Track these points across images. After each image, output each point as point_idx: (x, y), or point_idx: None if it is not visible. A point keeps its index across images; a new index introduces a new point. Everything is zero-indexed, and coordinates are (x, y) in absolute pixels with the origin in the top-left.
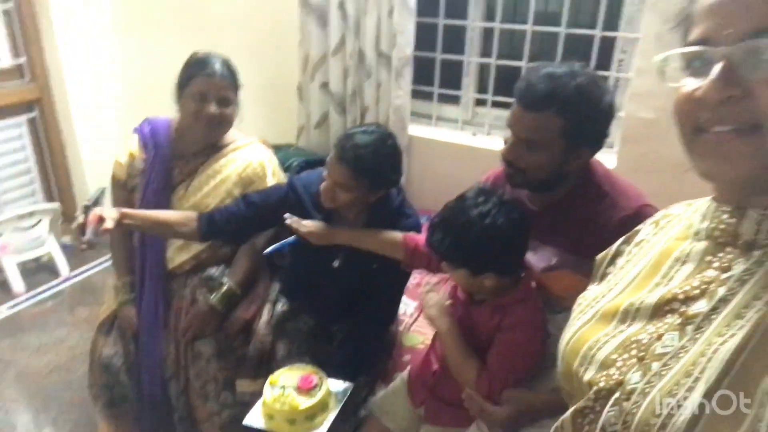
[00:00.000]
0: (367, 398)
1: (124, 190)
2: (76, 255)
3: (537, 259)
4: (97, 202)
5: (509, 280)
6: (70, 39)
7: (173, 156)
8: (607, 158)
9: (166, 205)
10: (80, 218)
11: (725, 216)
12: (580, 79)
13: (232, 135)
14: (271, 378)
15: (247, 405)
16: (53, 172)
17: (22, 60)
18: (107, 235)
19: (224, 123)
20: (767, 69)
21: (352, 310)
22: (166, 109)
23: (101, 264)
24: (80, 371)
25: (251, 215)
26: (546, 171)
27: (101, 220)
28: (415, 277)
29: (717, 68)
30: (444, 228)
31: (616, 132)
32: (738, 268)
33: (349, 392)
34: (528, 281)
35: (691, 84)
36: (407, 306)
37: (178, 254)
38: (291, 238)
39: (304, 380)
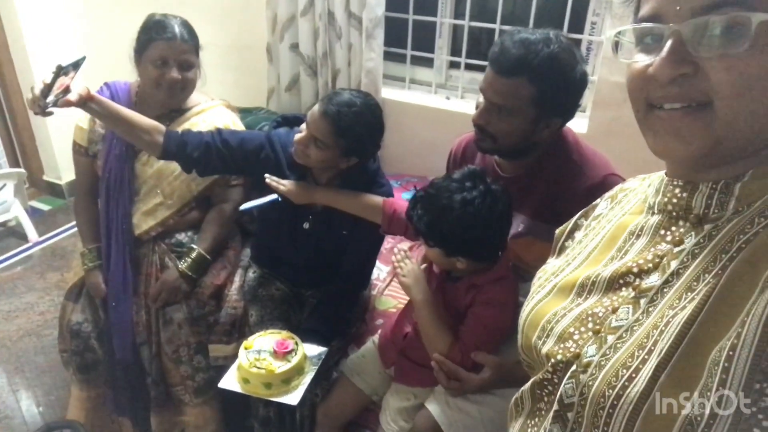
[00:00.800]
0: (339, 361)
1: (85, 156)
2: (44, 220)
3: None
4: (71, 68)
5: (481, 266)
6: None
7: None
8: (578, 122)
9: (129, 171)
10: (48, 79)
11: (677, 190)
12: (554, 47)
13: (196, 98)
14: (245, 342)
15: (220, 368)
16: (17, 136)
17: None
18: (67, 107)
19: (187, 87)
20: (717, 46)
21: (324, 275)
22: (129, 72)
23: (70, 228)
24: (52, 336)
25: (223, 154)
26: (515, 138)
27: (68, 90)
28: (389, 242)
29: (667, 45)
30: (425, 205)
31: (588, 96)
32: (689, 241)
33: (323, 356)
34: (506, 261)
35: (642, 60)
36: (380, 270)
37: (144, 220)
38: (272, 196)
39: (280, 345)
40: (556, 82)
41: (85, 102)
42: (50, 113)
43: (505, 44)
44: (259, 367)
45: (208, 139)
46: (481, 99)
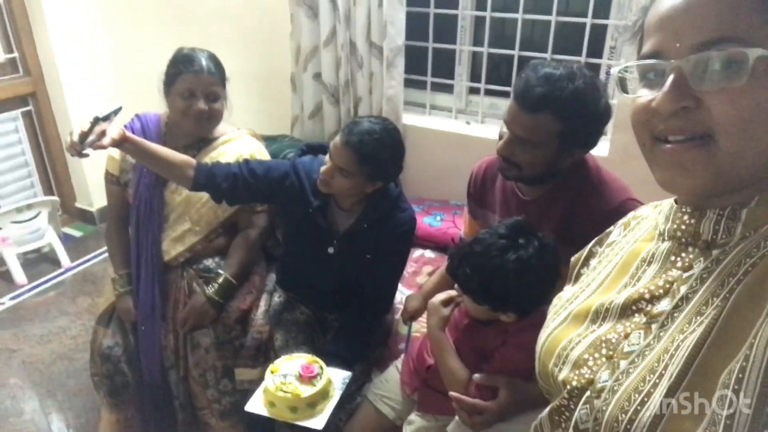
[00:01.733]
0: (362, 386)
1: (116, 185)
2: (76, 246)
3: None
4: (108, 117)
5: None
6: (61, 33)
7: None
8: (599, 145)
9: (159, 199)
10: (85, 126)
11: (686, 217)
12: (578, 83)
13: (222, 128)
14: (272, 366)
15: (246, 392)
16: (50, 164)
17: (15, 54)
18: (100, 150)
19: (213, 118)
20: (716, 81)
21: (347, 299)
22: (158, 103)
23: (101, 254)
24: (83, 360)
25: (250, 184)
26: (539, 167)
27: (103, 134)
28: (411, 266)
29: (669, 80)
30: (475, 264)
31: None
32: (698, 266)
33: (348, 381)
34: (541, 310)
35: (646, 95)
36: (403, 294)
37: (173, 246)
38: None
39: (305, 369)
40: (581, 117)
41: (120, 143)
42: (86, 155)
43: (530, 80)
44: (285, 391)
45: (235, 170)
46: (505, 129)
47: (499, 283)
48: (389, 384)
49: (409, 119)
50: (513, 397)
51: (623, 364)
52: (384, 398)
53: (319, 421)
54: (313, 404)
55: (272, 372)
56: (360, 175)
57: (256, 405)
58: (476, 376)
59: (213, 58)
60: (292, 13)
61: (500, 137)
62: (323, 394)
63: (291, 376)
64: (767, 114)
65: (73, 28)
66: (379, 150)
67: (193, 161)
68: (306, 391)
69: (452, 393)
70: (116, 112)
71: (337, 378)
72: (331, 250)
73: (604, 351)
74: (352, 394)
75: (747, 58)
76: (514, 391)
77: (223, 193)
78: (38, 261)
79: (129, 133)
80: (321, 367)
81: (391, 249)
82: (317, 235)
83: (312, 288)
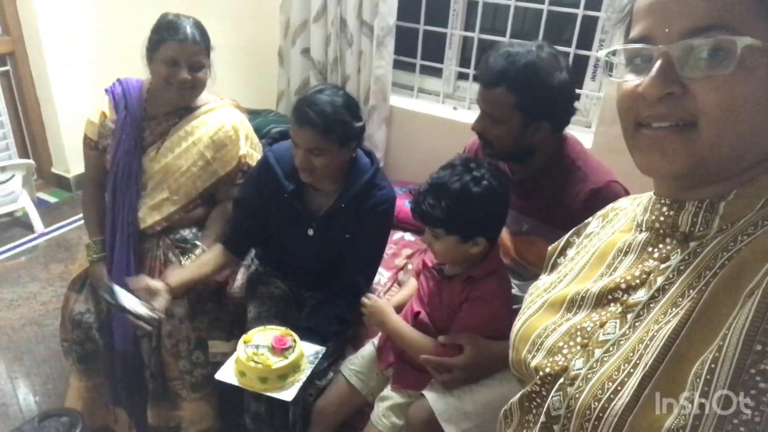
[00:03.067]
0: (336, 362)
1: (95, 150)
2: (50, 212)
3: (510, 223)
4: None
5: (488, 249)
6: None
7: (145, 117)
8: (584, 138)
9: (137, 166)
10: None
11: (664, 209)
12: (531, 57)
13: (205, 97)
14: (245, 336)
15: (218, 365)
16: (27, 127)
17: None
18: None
19: (196, 87)
20: (703, 67)
21: (326, 278)
22: (141, 69)
23: (76, 221)
24: (53, 326)
25: (249, 213)
26: (509, 142)
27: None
28: (390, 247)
29: (656, 65)
30: (438, 193)
31: (594, 112)
32: (676, 258)
33: (320, 355)
34: (497, 254)
35: (632, 80)
36: (381, 275)
37: (150, 214)
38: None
39: (278, 341)
40: (534, 88)
41: (172, 292)
42: (159, 317)
43: (489, 59)
44: (256, 362)
45: (234, 219)
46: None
47: (463, 203)
48: (364, 360)
49: (397, 101)
50: (476, 351)
51: (598, 352)
52: (358, 373)
53: (289, 393)
54: (283, 376)
55: (245, 342)
56: (331, 147)
57: (226, 374)
58: (440, 337)
59: (198, 26)
60: None
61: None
62: (294, 367)
63: (263, 347)
64: (752, 104)
65: None
66: (336, 113)
67: (218, 248)
68: (277, 362)
69: (422, 356)
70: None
71: (310, 352)
72: (310, 232)
73: (579, 339)
74: (324, 370)
75: (735, 47)
76: (476, 346)
77: (255, 238)
78: (11, 225)
79: (169, 284)
80: (294, 340)
81: (370, 228)
82: (296, 218)
83: (291, 266)
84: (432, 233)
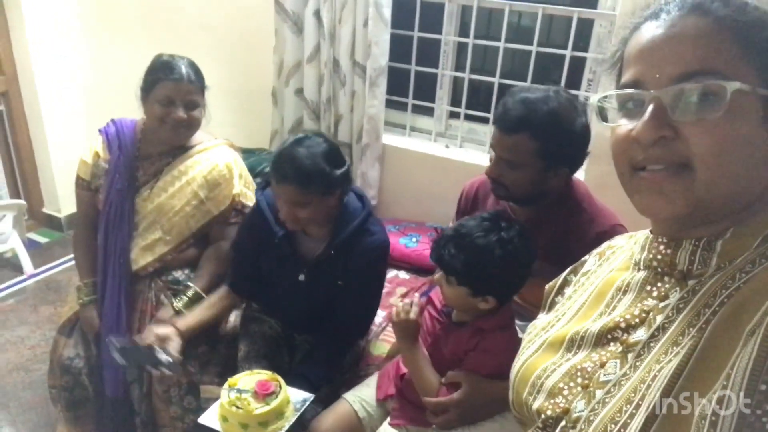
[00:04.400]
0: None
1: (87, 190)
2: (41, 253)
3: None
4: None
5: (505, 304)
6: (39, 33)
7: (138, 156)
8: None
9: (130, 206)
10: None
11: (662, 247)
12: (553, 104)
13: (199, 136)
14: (230, 380)
15: None
16: (19, 167)
17: None
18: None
19: (192, 125)
20: (694, 112)
21: (318, 323)
22: (134, 109)
23: (66, 262)
24: (41, 371)
25: (246, 255)
26: (526, 187)
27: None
28: (386, 287)
29: (649, 110)
30: (461, 244)
31: None
32: (674, 296)
33: (307, 403)
34: (509, 309)
35: (625, 125)
36: (377, 316)
37: (143, 255)
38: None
39: (261, 385)
40: (557, 135)
41: (182, 336)
42: (179, 365)
43: (507, 104)
44: (237, 407)
45: (234, 262)
46: (493, 153)
47: (482, 262)
48: (368, 388)
49: (389, 139)
50: (473, 388)
51: (599, 393)
52: (363, 401)
53: None
54: (265, 423)
55: (230, 386)
56: (313, 198)
57: (210, 418)
58: (442, 379)
59: (192, 66)
60: (276, 28)
61: (490, 160)
62: (277, 414)
63: (247, 392)
64: (742, 146)
65: (51, 29)
66: (315, 165)
67: (223, 291)
68: (258, 408)
69: (425, 399)
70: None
71: (297, 399)
72: (301, 277)
73: (579, 380)
74: (311, 417)
75: (725, 91)
76: (473, 385)
77: (255, 280)
78: (0, 266)
79: (178, 328)
80: (279, 386)
81: (361, 275)
82: (286, 264)
83: (283, 310)
84: (445, 278)
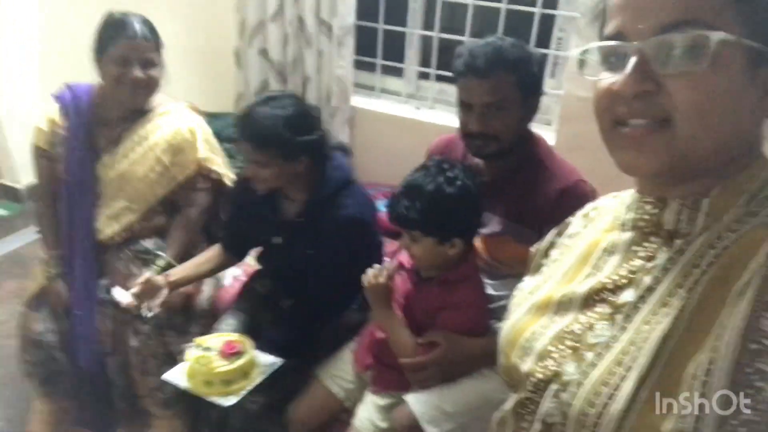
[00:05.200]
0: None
1: (47, 160)
2: (1, 225)
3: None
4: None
5: (465, 252)
6: None
7: (96, 122)
8: (545, 135)
9: (91, 174)
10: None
11: (648, 207)
12: (507, 41)
13: (159, 99)
14: (198, 339)
15: None
16: None
17: None
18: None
19: (150, 86)
20: (678, 64)
21: (298, 288)
22: (91, 72)
23: (30, 235)
24: (11, 347)
25: (240, 212)
26: (514, 128)
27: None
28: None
29: (631, 63)
30: (413, 195)
31: (554, 110)
32: (662, 257)
33: (275, 367)
34: (473, 259)
35: (608, 78)
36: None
37: (109, 224)
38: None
39: (228, 345)
40: (527, 63)
41: (170, 287)
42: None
43: (473, 51)
44: (201, 364)
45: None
46: (468, 109)
47: (437, 204)
48: (342, 363)
49: (359, 102)
50: (450, 346)
51: (589, 355)
52: (335, 377)
53: (228, 399)
54: (228, 382)
55: (198, 344)
56: (274, 161)
57: (175, 375)
58: (419, 339)
59: (147, 23)
60: None
61: (464, 124)
62: (242, 374)
63: (213, 350)
64: (726, 100)
65: None
66: (272, 127)
67: (216, 249)
68: (222, 366)
69: (402, 360)
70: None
71: (265, 362)
72: (277, 240)
73: (568, 342)
74: (293, 385)
75: (708, 42)
76: (450, 342)
77: (251, 236)
78: None
79: (169, 278)
80: (245, 346)
81: (329, 248)
82: (266, 224)
83: (267, 271)
84: (409, 236)
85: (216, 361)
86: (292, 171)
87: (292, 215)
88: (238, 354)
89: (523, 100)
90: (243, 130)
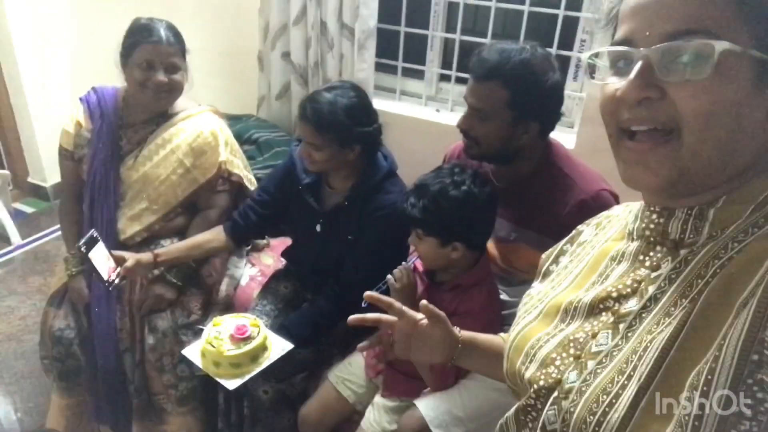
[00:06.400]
0: (318, 370)
1: (71, 161)
2: (28, 223)
3: (496, 230)
4: (92, 243)
5: (472, 258)
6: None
7: (121, 125)
8: (567, 138)
9: (115, 175)
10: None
11: (654, 216)
12: (526, 54)
13: (182, 103)
14: (215, 319)
15: (204, 378)
16: (1, 137)
17: None
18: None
19: (174, 90)
20: (681, 72)
21: (328, 281)
22: (119, 76)
23: (54, 232)
24: (33, 341)
25: (263, 201)
26: (497, 141)
27: (120, 264)
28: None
29: (636, 68)
30: (419, 193)
31: (576, 112)
32: (666, 266)
33: (285, 352)
34: (486, 264)
35: (614, 83)
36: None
37: (130, 225)
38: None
39: (238, 329)
40: (528, 85)
41: (155, 264)
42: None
43: (482, 53)
44: (213, 345)
45: (249, 201)
46: (467, 107)
47: (439, 204)
48: (352, 367)
49: (379, 104)
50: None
51: (591, 364)
52: (346, 381)
53: (233, 382)
54: (237, 365)
55: (214, 324)
56: (329, 145)
57: (192, 352)
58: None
59: (172, 28)
60: None
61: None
62: (251, 357)
63: (225, 333)
64: (731, 111)
65: None
66: (334, 114)
67: (219, 228)
68: (230, 350)
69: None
70: (93, 238)
71: (277, 346)
72: (318, 228)
73: (572, 350)
74: (303, 373)
75: (713, 51)
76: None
77: (259, 226)
78: None
79: (154, 253)
80: (257, 331)
81: (370, 232)
82: (307, 213)
83: (300, 264)
84: (415, 233)
85: (226, 344)
86: (344, 157)
87: (333, 203)
88: (247, 338)
89: (513, 117)
90: (304, 112)
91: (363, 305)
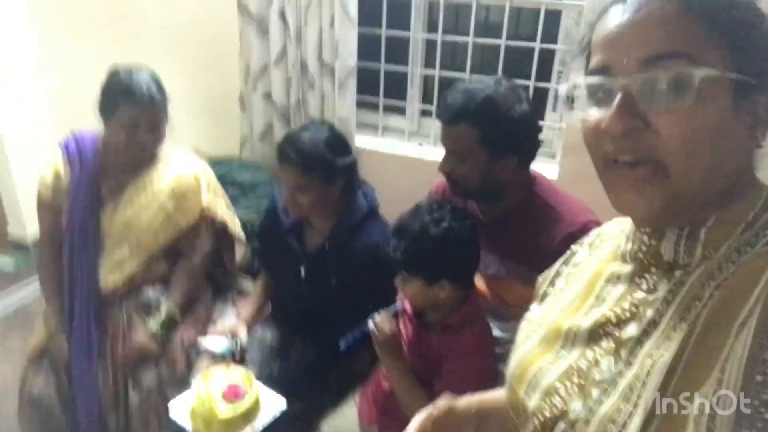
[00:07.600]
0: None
1: (50, 213)
2: (6, 278)
3: (484, 267)
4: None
5: (460, 295)
6: None
7: (101, 172)
8: (549, 169)
9: (94, 223)
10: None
11: (645, 237)
12: (489, 91)
13: (163, 146)
14: (204, 372)
15: None
16: None
17: None
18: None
19: (158, 142)
20: (663, 100)
21: (313, 327)
22: (96, 120)
23: (36, 288)
24: (12, 405)
25: (267, 242)
26: (477, 179)
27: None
28: None
29: (617, 99)
30: (400, 234)
31: (557, 143)
32: (663, 288)
33: (277, 413)
34: (475, 302)
35: (595, 114)
36: None
37: (111, 274)
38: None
39: (230, 389)
40: (495, 121)
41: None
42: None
43: (448, 98)
44: (204, 406)
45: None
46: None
47: (420, 244)
48: (344, 419)
49: (362, 141)
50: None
51: (595, 392)
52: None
53: None
54: (230, 426)
55: (203, 379)
56: (315, 184)
57: (181, 410)
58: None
59: (154, 80)
60: (240, 31)
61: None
62: (245, 417)
63: (216, 389)
64: (714, 134)
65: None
66: (317, 150)
67: (264, 276)
68: (223, 412)
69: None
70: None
71: (270, 406)
72: (302, 271)
73: (575, 379)
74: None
75: (693, 78)
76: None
77: (277, 265)
78: None
79: (243, 319)
80: (249, 388)
81: (354, 276)
82: (290, 256)
83: (284, 309)
84: (401, 275)
85: (218, 404)
86: (329, 195)
87: (315, 245)
88: (240, 397)
89: (489, 154)
90: (286, 156)
91: (341, 348)
